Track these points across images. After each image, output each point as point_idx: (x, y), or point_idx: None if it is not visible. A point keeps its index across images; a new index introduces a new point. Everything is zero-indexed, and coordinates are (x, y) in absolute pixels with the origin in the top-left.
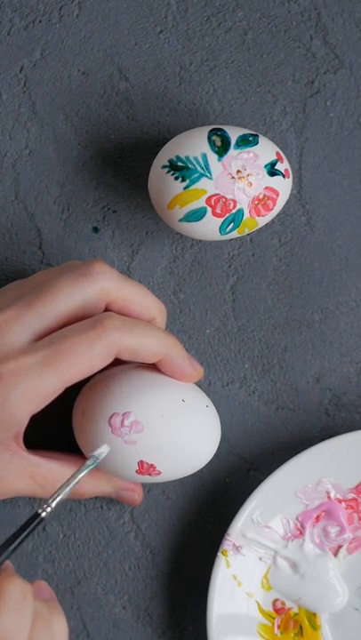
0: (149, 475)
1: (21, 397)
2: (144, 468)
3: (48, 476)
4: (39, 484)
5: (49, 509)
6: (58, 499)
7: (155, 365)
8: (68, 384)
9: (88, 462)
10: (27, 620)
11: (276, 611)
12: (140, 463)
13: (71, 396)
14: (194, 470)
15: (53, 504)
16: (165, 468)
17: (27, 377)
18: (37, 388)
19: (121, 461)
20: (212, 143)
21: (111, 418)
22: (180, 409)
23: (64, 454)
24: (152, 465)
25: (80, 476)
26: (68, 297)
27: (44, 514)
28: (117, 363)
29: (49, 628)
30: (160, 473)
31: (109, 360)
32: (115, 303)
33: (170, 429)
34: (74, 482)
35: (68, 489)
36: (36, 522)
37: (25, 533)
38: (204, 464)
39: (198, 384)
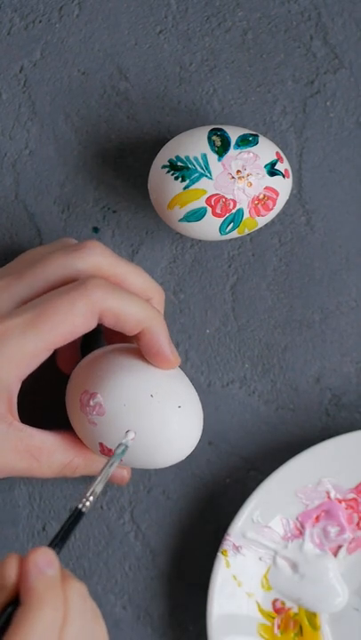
0: None
1: (7, 359)
2: (105, 451)
3: (43, 448)
4: (35, 458)
5: (88, 503)
6: (99, 488)
7: (139, 352)
8: (53, 346)
9: (117, 450)
10: (89, 622)
11: (276, 611)
12: (101, 445)
13: (64, 381)
14: (158, 467)
15: (92, 498)
16: (125, 457)
17: (10, 338)
18: (22, 350)
19: (87, 439)
20: (212, 143)
21: (82, 394)
22: (144, 403)
23: (58, 430)
24: (112, 450)
25: (114, 464)
26: (59, 268)
27: (84, 509)
28: (115, 342)
29: (100, 621)
30: (122, 460)
31: (92, 321)
32: (107, 280)
33: (129, 420)
34: (109, 471)
35: (103, 479)
36: (78, 518)
37: (69, 532)
38: (168, 464)
39: (197, 385)
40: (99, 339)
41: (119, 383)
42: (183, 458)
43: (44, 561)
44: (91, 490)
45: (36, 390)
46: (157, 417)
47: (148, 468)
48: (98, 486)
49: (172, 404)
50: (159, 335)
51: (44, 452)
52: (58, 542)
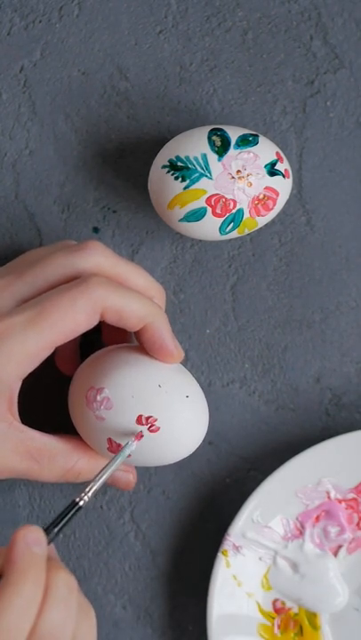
0: None
1: (7, 358)
2: (113, 446)
3: (44, 451)
4: (35, 460)
5: (86, 498)
6: (97, 485)
7: (142, 349)
8: (55, 344)
9: (125, 448)
10: (73, 614)
11: (276, 611)
12: (109, 441)
13: (65, 381)
14: (167, 462)
15: (90, 493)
16: (134, 452)
17: (12, 336)
18: (23, 348)
19: (93, 436)
20: (212, 143)
21: (88, 391)
22: (152, 393)
23: (58, 433)
24: (120, 445)
25: (118, 460)
26: (60, 268)
27: (81, 502)
28: (114, 342)
29: (89, 619)
30: (130, 455)
31: (94, 319)
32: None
33: (138, 412)
34: (112, 468)
35: (106, 475)
36: (74, 510)
37: (63, 522)
38: (180, 457)
39: (199, 383)
40: (98, 339)
41: (126, 376)
42: (192, 451)
43: (32, 538)
44: (91, 485)
45: (37, 390)
46: (166, 406)
47: (159, 465)
48: (99, 482)
49: (179, 393)
50: (162, 330)
51: (44, 455)
52: (50, 528)
